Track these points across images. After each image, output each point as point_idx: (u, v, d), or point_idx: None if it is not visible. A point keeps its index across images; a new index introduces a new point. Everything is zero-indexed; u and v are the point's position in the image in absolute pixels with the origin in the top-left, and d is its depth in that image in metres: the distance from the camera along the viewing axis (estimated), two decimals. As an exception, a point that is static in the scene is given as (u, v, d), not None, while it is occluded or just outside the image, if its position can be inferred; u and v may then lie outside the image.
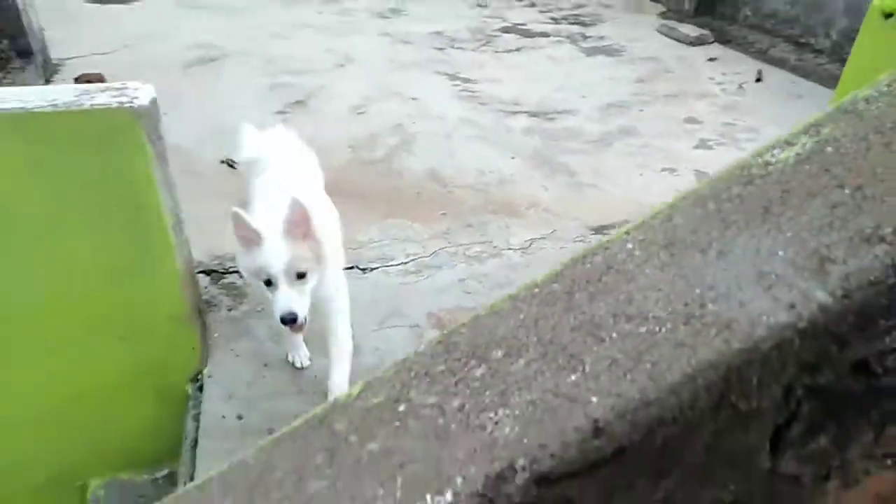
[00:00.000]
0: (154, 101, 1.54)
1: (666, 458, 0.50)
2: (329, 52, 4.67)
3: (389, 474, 0.50)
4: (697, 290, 0.48)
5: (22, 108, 1.43)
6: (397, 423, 0.53)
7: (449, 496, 0.47)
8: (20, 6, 3.52)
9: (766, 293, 0.46)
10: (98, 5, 5.35)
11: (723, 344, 0.45)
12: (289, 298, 1.46)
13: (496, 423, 0.49)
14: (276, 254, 1.45)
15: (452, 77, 4.35)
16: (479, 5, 6.20)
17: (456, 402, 0.52)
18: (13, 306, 1.59)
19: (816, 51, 4.69)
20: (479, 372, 0.53)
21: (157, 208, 1.60)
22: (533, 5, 6.38)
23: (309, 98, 3.90)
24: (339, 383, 1.68)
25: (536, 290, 0.56)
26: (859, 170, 0.51)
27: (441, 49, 4.92)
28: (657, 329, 0.48)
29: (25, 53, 3.55)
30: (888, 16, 1.09)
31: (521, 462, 0.46)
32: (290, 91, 3.95)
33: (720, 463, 0.52)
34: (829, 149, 0.54)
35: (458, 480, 0.47)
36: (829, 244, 0.47)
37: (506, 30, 5.56)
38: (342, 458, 0.53)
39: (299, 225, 1.46)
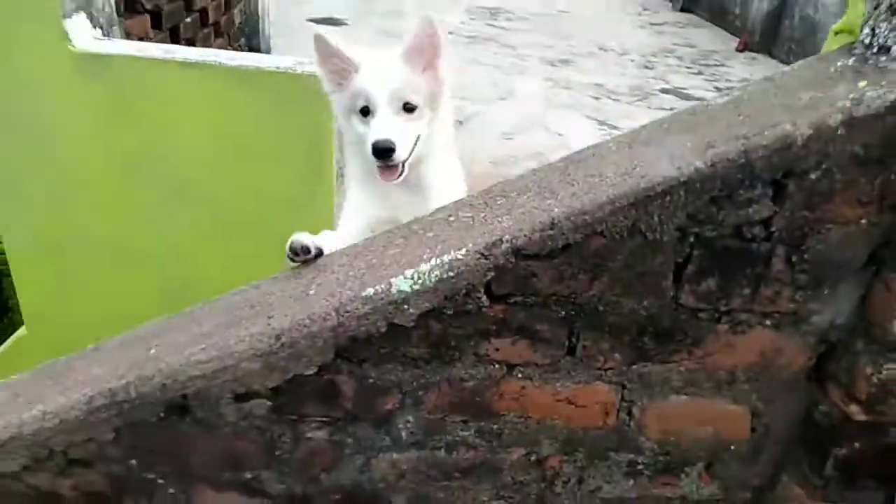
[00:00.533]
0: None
1: (597, 263, 0.80)
2: (494, 86, 5.20)
3: (435, 245, 0.85)
4: (634, 162, 0.79)
5: (256, 67, 1.99)
6: (446, 224, 0.89)
7: (463, 252, 0.81)
8: (260, 13, 4.41)
9: (671, 163, 0.76)
10: (314, 24, 6.37)
11: (634, 184, 0.75)
12: (390, 123, 1.09)
13: (500, 222, 0.83)
14: (381, 74, 1.13)
15: (601, 123, 4.67)
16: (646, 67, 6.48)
17: (482, 214, 0.87)
18: (215, 196, 2.11)
19: None
20: (500, 201, 0.87)
21: (330, 156, 2.09)
22: (699, 73, 6.54)
23: (467, 120, 4.42)
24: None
25: (549, 164, 0.90)
26: (753, 107, 0.79)
27: (597, 98, 5.27)
28: (604, 180, 0.79)
29: (255, 51, 4.41)
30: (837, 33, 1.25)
31: (506, 237, 0.80)
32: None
33: (636, 279, 0.81)
34: (745, 97, 0.83)
35: (470, 245, 0.81)
36: (716, 139, 0.75)
37: (665, 91, 5.79)
38: (411, 239, 0.90)
39: (424, 49, 1.12)
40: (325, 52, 1.16)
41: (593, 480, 0.97)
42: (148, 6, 2.72)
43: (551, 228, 0.78)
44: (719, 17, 7.91)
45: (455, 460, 0.95)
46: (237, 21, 4.26)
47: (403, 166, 1.09)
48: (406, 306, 0.82)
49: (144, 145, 2.03)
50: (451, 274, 0.81)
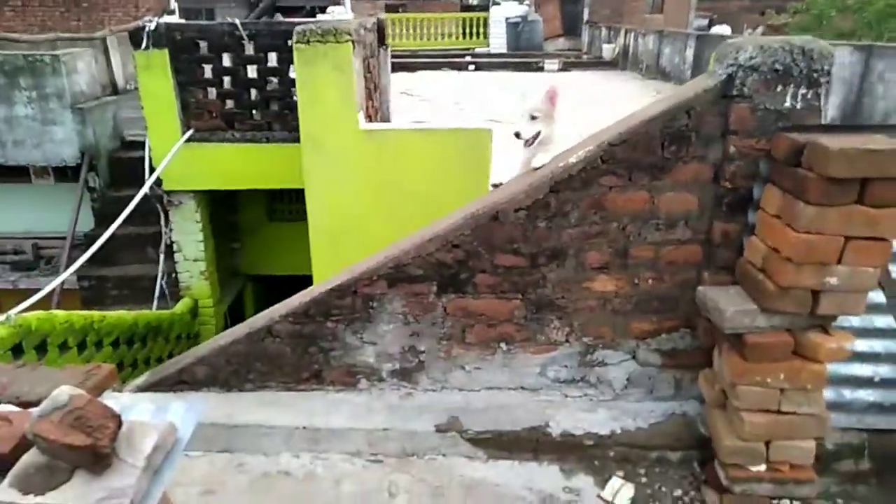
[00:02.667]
0: (491, 130, 3.87)
1: (638, 146, 2.51)
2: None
3: (575, 151, 2.59)
4: (645, 113, 2.52)
5: (446, 127, 3.86)
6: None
7: (591, 146, 2.53)
8: (388, 112, 6.46)
9: (657, 110, 2.48)
10: (405, 94, 8.51)
11: (644, 117, 2.48)
12: (519, 124, 2.85)
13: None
14: (528, 105, 2.83)
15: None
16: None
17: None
18: (427, 203, 3.89)
19: None
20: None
21: (487, 175, 3.88)
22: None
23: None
24: None
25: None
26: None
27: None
28: (634, 118, 2.53)
29: (385, 118, 6.43)
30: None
31: (606, 141, 2.51)
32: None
33: (648, 150, 2.51)
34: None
35: (592, 146, 2.53)
36: (670, 104, 2.47)
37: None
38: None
39: (551, 99, 2.80)
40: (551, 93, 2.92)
41: (643, 233, 2.62)
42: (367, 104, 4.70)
43: (620, 134, 2.50)
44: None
45: (591, 231, 2.63)
46: (380, 114, 6.31)
47: (530, 141, 2.87)
48: (575, 167, 2.53)
49: (391, 172, 3.87)
50: (589, 154, 2.52)
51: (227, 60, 5.83)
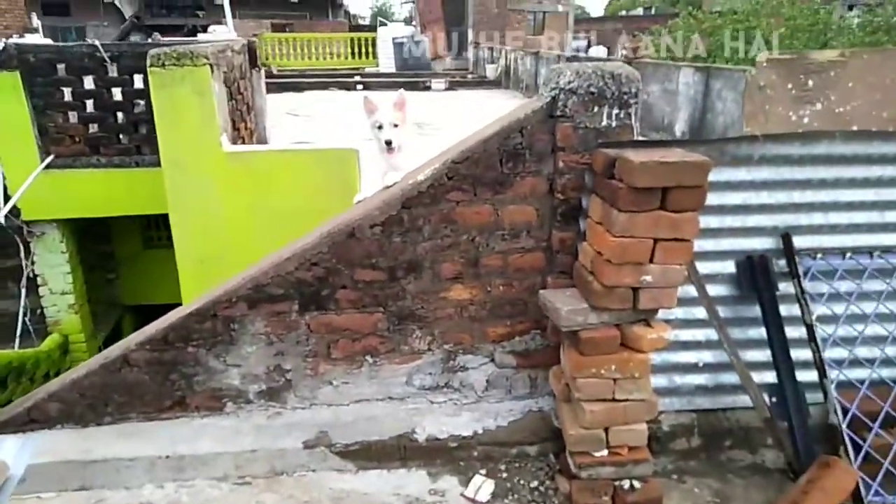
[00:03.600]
0: (357, 151, 3.99)
1: (476, 162, 2.70)
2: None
3: (427, 167, 2.75)
4: (483, 133, 2.72)
5: (316, 149, 3.94)
6: (423, 167, 2.80)
7: (438, 164, 2.70)
8: (265, 137, 6.44)
9: (493, 129, 2.69)
10: (291, 115, 8.46)
11: (481, 137, 2.68)
12: (390, 133, 2.88)
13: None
14: (386, 112, 2.90)
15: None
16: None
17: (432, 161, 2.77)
18: (297, 221, 3.93)
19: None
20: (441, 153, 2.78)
21: (356, 189, 3.98)
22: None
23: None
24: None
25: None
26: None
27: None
28: (473, 138, 2.73)
29: (262, 141, 6.40)
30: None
31: (449, 159, 2.69)
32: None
33: (488, 166, 2.72)
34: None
35: (438, 164, 2.70)
36: (504, 124, 2.69)
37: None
38: (415, 173, 2.81)
39: (398, 103, 2.90)
40: (367, 102, 2.97)
41: (491, 243, 2.81)
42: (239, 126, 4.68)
43: (463, 153, 2.69)
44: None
45: (443, 244, 2.79)
46: (255, 139, 6.27)
47: (396, 149, 2.99)
48: (422, 185, 2.69)
49: (260, 196, 3.89)
50: (435, 172, 2.69)
51: (88, 83, 5.59)
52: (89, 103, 5.82)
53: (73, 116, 5.89)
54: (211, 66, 3.61)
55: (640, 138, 2.69)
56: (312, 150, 3.87)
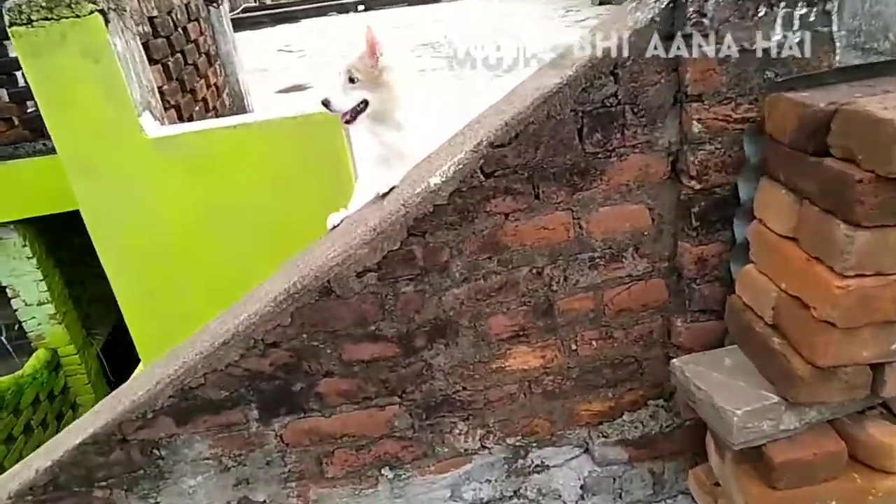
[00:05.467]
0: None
1: (535, 140, 1.47)
2: (453, 109, 5.94)
3: (447, 157, 1.52)
4: (534, 87, 1.47)
5: (281, 117, 2.69)
6: (448, 147, 1.56)
7: (462, 154, 1.47)
8: (242, 93, 5.15)
9: (558, 77, 1.43)
10: (283, 94, 7.14)
11: (541, 93, 1.43)
12: (333, 89, 1.81)
13: (478, 134, 1.49)
14: (346, 62, 1.82)
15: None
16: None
17: (468, 136, 1.54)
18: (272, 221, 2.77)
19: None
20: (475, 126, 1.55)
21: (348, 170, 2.77)
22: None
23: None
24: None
25: (487, 107, 1.58)
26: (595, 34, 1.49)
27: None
28: (524, 99, 1.47)
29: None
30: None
31: (484, 139, 1.46)
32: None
33: (558, 144, 1.48)
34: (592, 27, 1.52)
35: (466, 148, 1.48)
36: (574, 60, 1.43)
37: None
38: (433, 159, 1.57)
39: (368, 46, 1.79)
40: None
41: (573, 276, 1.62)
42: (172, 102, 3.44)
43: (507, 126, 1.45)
44: None
45: (489, 284, 1.60)
46: (227, 103, 5.00)
47: (350, 116, 1.84)
48: (440, 192, 1.48)
49: (211, 194, 2.71)
50: (460, 167, 1.47)
51: None
52: (18, 75, 4.66)
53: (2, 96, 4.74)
54: (104, 12, 2.36)
55: (846, 64, 1.39)
56: (276, 120, 2.64)
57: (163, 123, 2.76)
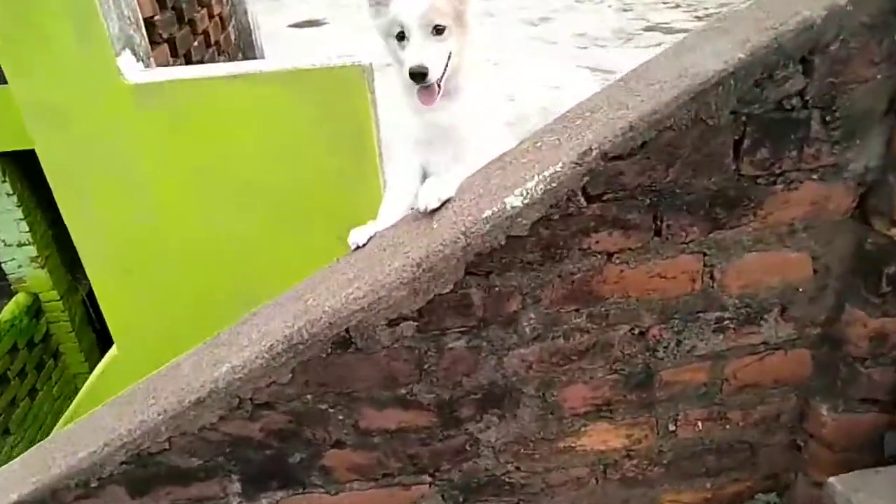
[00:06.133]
0: (370, 64, 2.21)
1: (671, 152, 0.98)
2: (485, 59, 5.34)
3: (533, 166, 1.03)
4: (686, 65, 0.97)
5: (294, 68, 2.16)
6: (535, 149, 1.07)
7: (559, 165, 0.99)
8: (251, 27, 4.56)
9: (717, 59, 0.93)
10: (296, 29, 6.50)
11: (691, 82, 0.93)
12: (422, 48, 1.19)
13: (584, 136, 1.01)
14: (411, 1, 1.20)
15: (594, 70, 4.82)
16: None
17: (566, 135, 1.04)
18: (275, 193, 2.28)
19: None
20: (577, 122, 1.05)
21: (371, 138, 2.26)
22: (677, 6, 6.64)
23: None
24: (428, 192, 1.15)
25: (611, 83, 1.08)
26: (772, 4, 0.97)
27: (584, 48, 5.41)
28: (664, 84, 0.97)
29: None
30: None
31: (594, 146, 0.97)
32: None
33: (703, 160, 0.99)
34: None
35: (565, 158, 0.99)
36: (749, 34, 0.93)
37: (649, 28, 5.91)
38: (508, 167, 1.08)
39: None
40: None
41: (688, 341, 1.15)
42: (165, 35, 2.88)
43: (630, 130, 0.96)
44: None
45: (572, 345, 1.14)
46: (233, 38, 4.42)
47: (439, 86, 1.20)
48: (520, 219, 1.01)
49: (203, 156, 2.22)
50: (553, 185, 0.99)
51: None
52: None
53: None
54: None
55: None
56: (290, 69, 2.11)
57: (148, 65, 2.25)
